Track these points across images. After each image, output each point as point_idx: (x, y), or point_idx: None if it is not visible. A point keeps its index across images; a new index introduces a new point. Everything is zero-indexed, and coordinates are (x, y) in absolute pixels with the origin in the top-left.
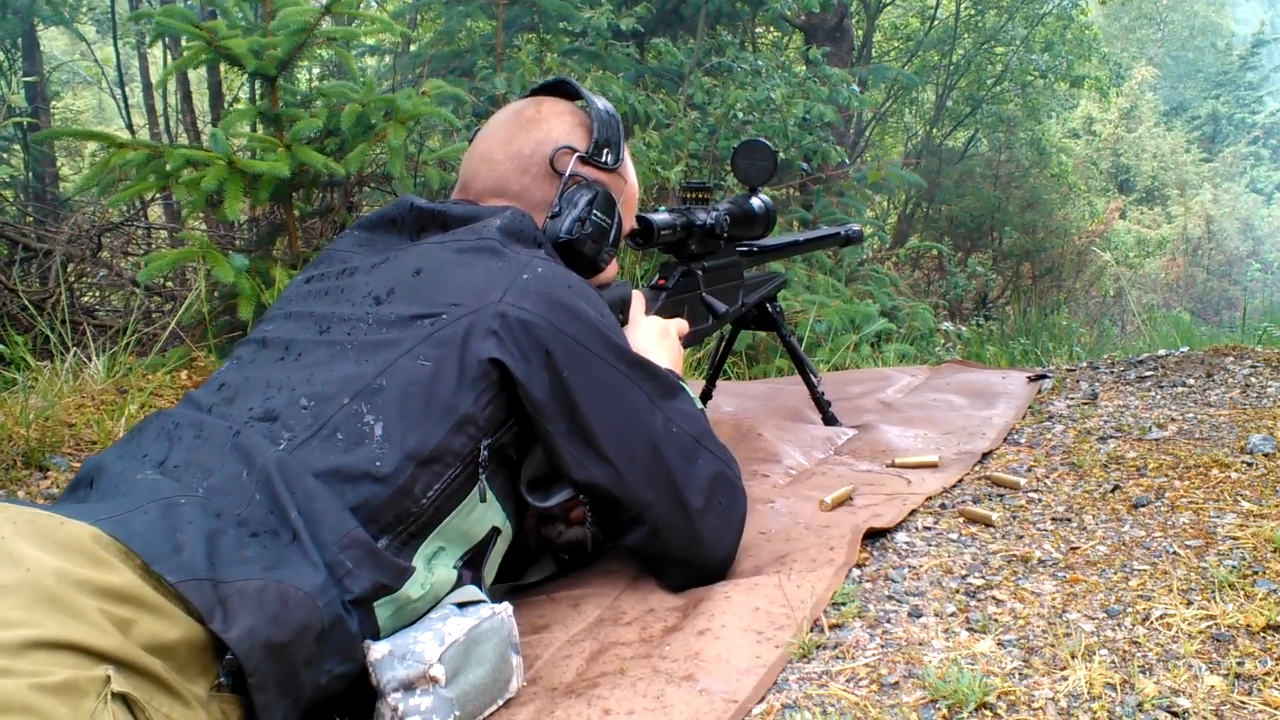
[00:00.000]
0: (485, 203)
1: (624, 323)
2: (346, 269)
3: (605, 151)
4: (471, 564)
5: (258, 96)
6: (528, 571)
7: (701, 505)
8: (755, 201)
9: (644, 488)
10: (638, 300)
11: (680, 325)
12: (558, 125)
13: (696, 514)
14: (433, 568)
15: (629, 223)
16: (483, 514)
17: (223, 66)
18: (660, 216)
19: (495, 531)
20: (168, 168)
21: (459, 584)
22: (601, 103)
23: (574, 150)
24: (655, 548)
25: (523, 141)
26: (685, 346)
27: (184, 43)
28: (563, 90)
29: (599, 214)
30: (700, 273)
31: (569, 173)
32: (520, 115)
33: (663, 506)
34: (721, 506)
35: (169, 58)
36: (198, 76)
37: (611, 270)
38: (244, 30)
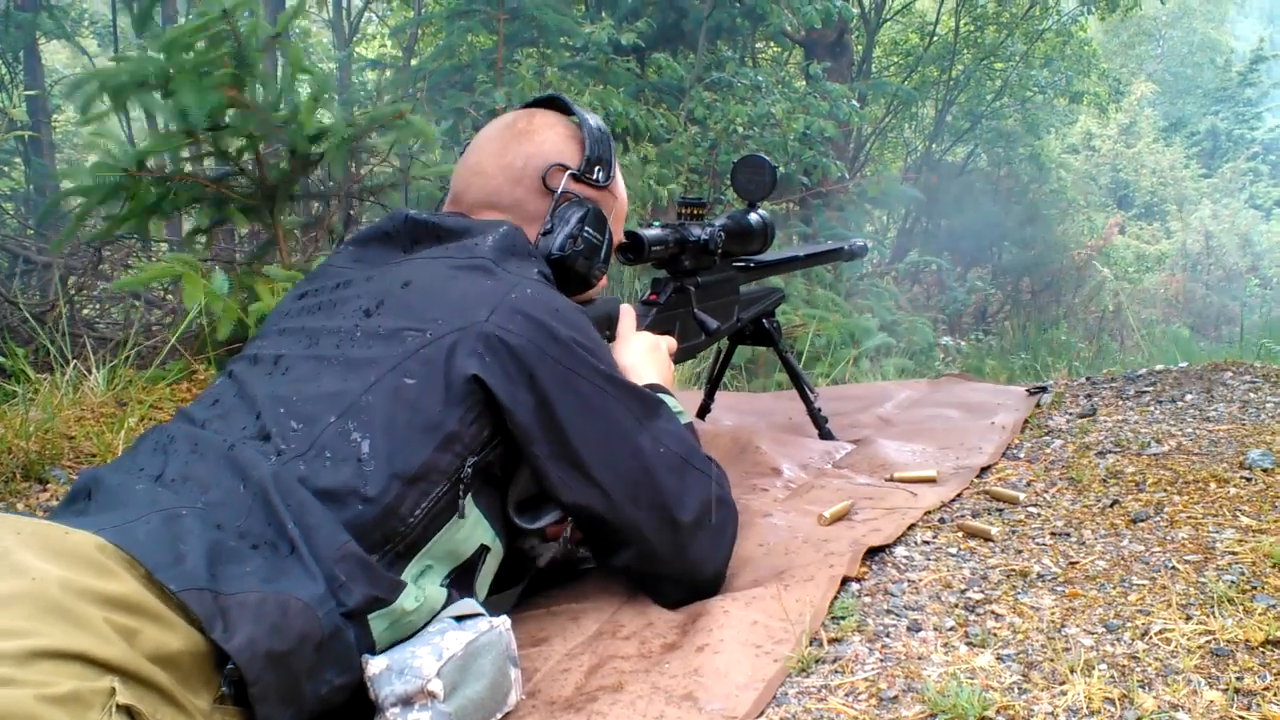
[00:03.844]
0: (478, 215)
1: (610, 338)
2: (340, 283)
3: (597, 168)
4: (459, 582)
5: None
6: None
7: (691, 523)
8: (753, 216)
9: (632, 510)
10: (628, 315)
11: (670, 342)
12: (550, 138)
13: (686, 532)
14: (422, 585)
15: (618, 238)
16: (470, 532)
17: None
18: (651, 232)
19: (484, 549)
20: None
21: (449, 601)
22: (593, 119)
23: (566, 168)
24: (646, 568)
25: (515, 154)
26: (676, 363)
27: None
28: (555, 105)
29: (590, 231)
30: (693, 289)
31: (561, 190)
32: (512, 128)
33: (651, 528)
34: (712, 524)
35: None
36: None
37: (598, 286)
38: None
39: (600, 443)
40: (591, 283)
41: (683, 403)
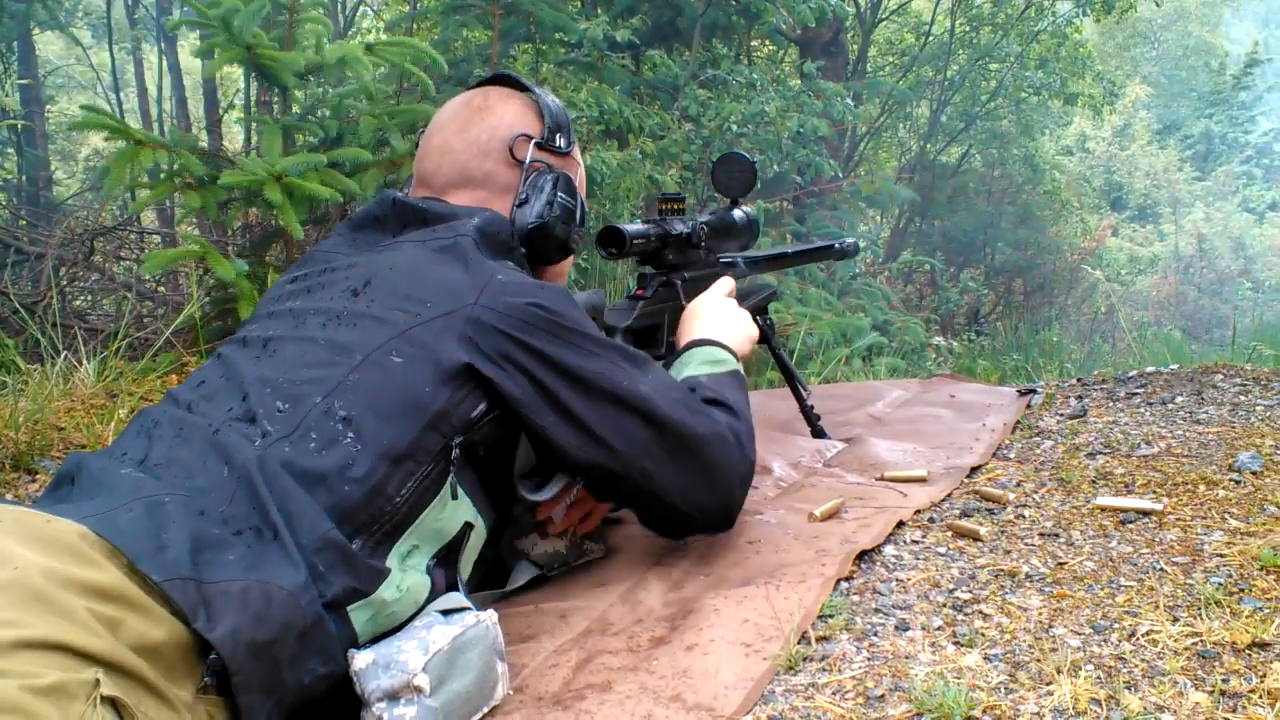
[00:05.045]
0: (451, 195)
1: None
2: (329, 268)
3: (558, 135)
4: (445, 562)
5: (253, 103)
6: (510, 578)
7: (700, 466)
8: (736, 213)
9: (641, 460)
10: (725, 283)
11: (729, 284)
12: (509, 110)
13: (695, 474)
14: (406, 568)
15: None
16: (454, 511)
17: (218, 74)
18: (632, 227)
19: (468, 527)
20: (176, 166)
21: (434, 589)
22: (544, 92)
23: (530, 137)
24: (660, 510)
25: (478, 128)
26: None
27: (216, 48)
28: (505, 82)
29: (564, 196)
30: (680, 283)
31: (530, 159)
32: (469, 105)
33: (661, 475)
34: (725, 461)
35: (164, 62)
36: (193, 83)
37: (567, 263)
38: (278, 42)
39: (601, 402)
40: (571, 248)
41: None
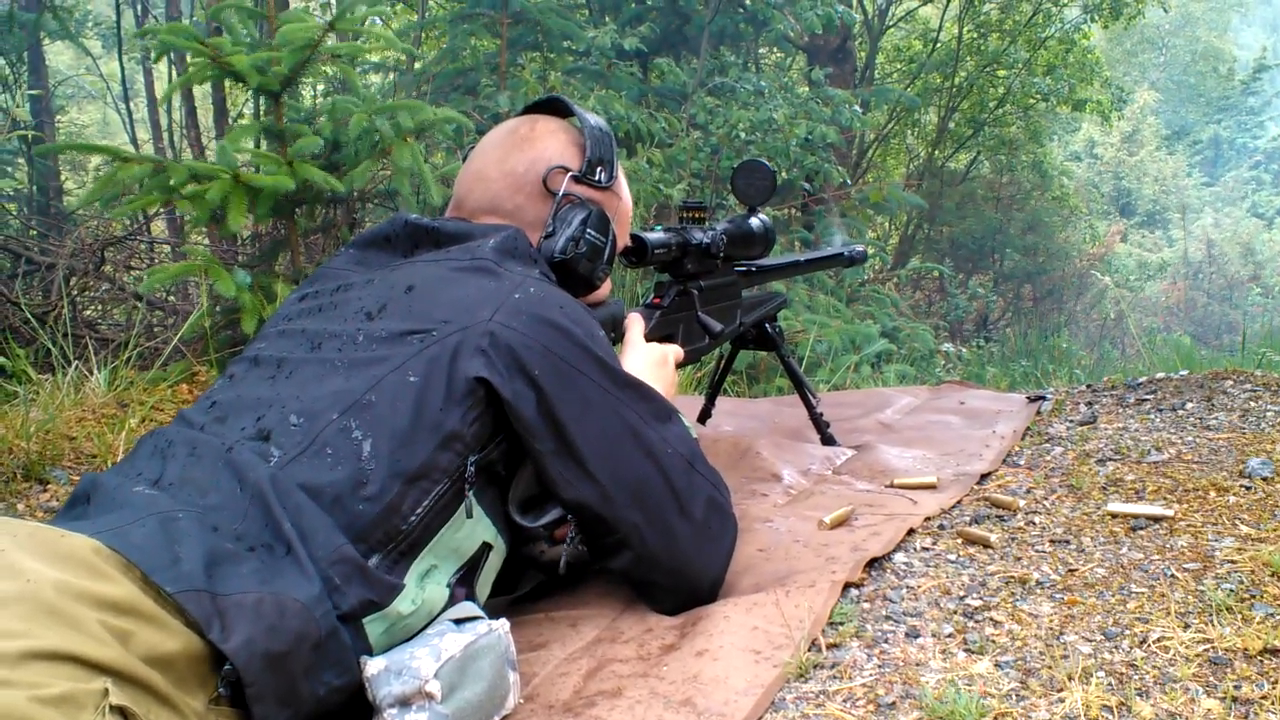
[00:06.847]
0: (479, 220)
1: (616, 340)
2: (341, 286)
3: (599, 169)
4: (464, 581)
5: (262, 112)
6: (519, 584)
7: (691, 531)
8: (754, 221)
9: (632, 510)
10: (637, 324)
11: (677, 352)
12: (551, 144)
13: (686, 539)
14: (425, 585)
15: (623, 239)
16: (472, 530)
17: (227, 83)
18: (655, 235)
19: (487, 547)
20: (172, 182)
21: (452, 602)
22: (594, 120)
23: (567, 170)
24: (643, 572)
25: (517, 160)
26: (679, 367)
27: (189, 59)
28: (556, 107)
29: (593, 232)
30: (696, 292)
31: (562, 192)
32: (514, 134)
33: (650, 531)
34: (712, 531)
35: (174, 73)
36: (202, 92)
37: (606, 288)
38: (249, 47)
39: (602, 441)
40: (595, 284)
41: (684, 409)
